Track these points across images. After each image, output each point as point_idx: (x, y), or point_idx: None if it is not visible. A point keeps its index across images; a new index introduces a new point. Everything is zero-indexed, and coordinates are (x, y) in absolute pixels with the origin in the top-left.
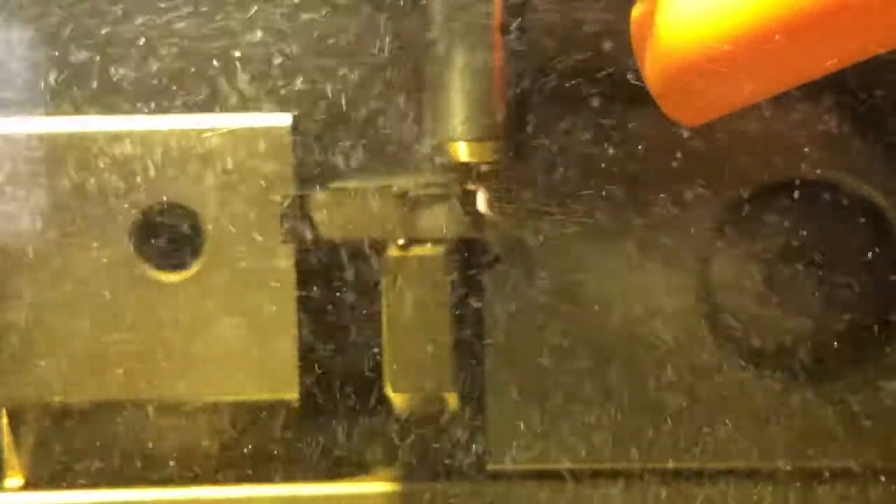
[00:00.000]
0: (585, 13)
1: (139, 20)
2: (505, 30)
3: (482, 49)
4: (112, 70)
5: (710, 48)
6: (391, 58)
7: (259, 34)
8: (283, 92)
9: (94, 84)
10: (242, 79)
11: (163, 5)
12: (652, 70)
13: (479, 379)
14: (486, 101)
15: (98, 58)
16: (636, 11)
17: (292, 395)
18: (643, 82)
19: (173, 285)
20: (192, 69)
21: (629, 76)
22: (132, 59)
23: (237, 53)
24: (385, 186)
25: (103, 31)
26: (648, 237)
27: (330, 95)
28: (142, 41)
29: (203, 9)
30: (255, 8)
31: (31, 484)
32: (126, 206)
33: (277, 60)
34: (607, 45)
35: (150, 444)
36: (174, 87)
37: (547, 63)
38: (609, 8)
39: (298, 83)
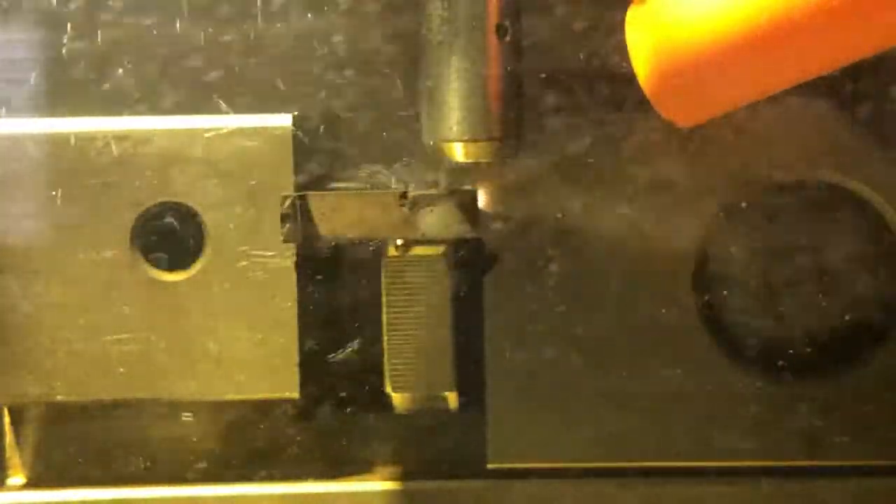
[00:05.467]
0: (580, 14)
1: (139, 21)
2: (500, 30)
3: (478, 50)
4: (112, 70)
5: (704, 49)
6: (390, 59)
7: (260, 35)
8: (283, 92)
9: (95, 84)
10: (243, 79)
11: (163, 6)
12: (647, 71)
13: (479, 379)
14: (483, 102)
15: (98, 58)
16: (631, 12)
17: (293, 394)
18: (638, 83)
19: (174, 285)
20: (193, 69)
21: (624, 77)
22: (133, 59)
23: (238, 54)
24: (385, 186)
25: (104, 32)
26: (647, 237)
27: (330, 96)
28: (142, 42)
29: (203, 10)
30: (256, 9)
31: (32, 482)
32: (126, 206)
33: (278, 61)
34: (602, 46)
35: (151, 444)
36: (174, 88)
37: (542, 64)
38: (604, 9)
39: (299, 84)
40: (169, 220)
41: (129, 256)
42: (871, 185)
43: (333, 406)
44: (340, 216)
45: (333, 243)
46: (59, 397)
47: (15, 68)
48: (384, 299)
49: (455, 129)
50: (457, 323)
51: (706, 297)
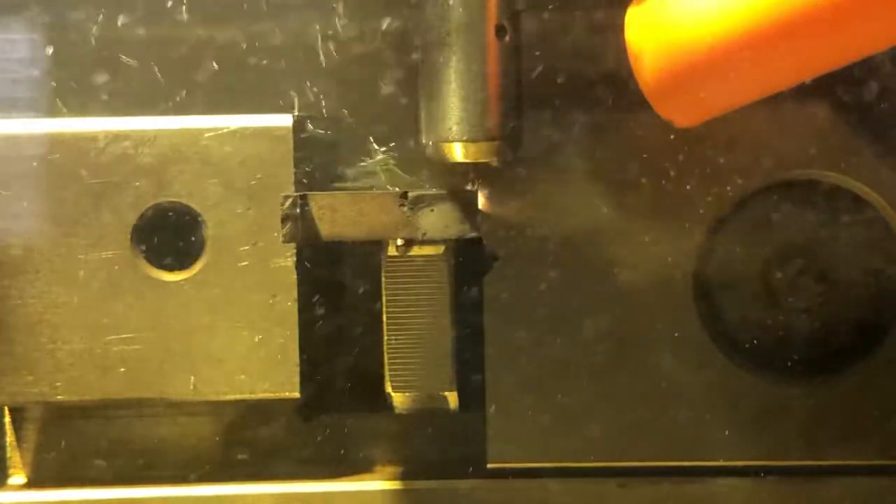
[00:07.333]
0: (580, 14)
1: (140, 21)
2: (500, 31)
3: (478, 50)
4: (113, 71)
5: (703, 49)
6: (390, 59)
7: (260, 36)
8: (283, 93)
9: (95, 84)
10: (243, 79)
11: (164, 7)
12: (646, 71)
13: (479, 379)
14: (482, 103)
15: (99, 58)
16: (630, 13)
17: (293, 393)
18: (637, 83)
19: (174, 285)
20: (194, 70)
21: (623, 77)
22: (133, 59)
23: (238, 55)
24: (385, 187)
25: (104, 32)
26: (647, 238)
27: (330, 96)
28: (142, 42)
29: (204, 11)
30: (256, 10)
31: (33, 482)
32: (127, 206)
33: (278, 62)
34: (601, 47)
35: (151, 443)
36: (175, 88)
37: (541, 64)
38: (603, 9)
39: (299, 84)
40: (169, 220)
41: (129, 256)
42: (871, 185)
43: (333, 406)
44: (340, 216)
45: (333, 243)
46: (59, 397)
47: (15, 68)
48: (384, 299)
49: (454, 129)
50: (457, 323)
51: (706, 298)
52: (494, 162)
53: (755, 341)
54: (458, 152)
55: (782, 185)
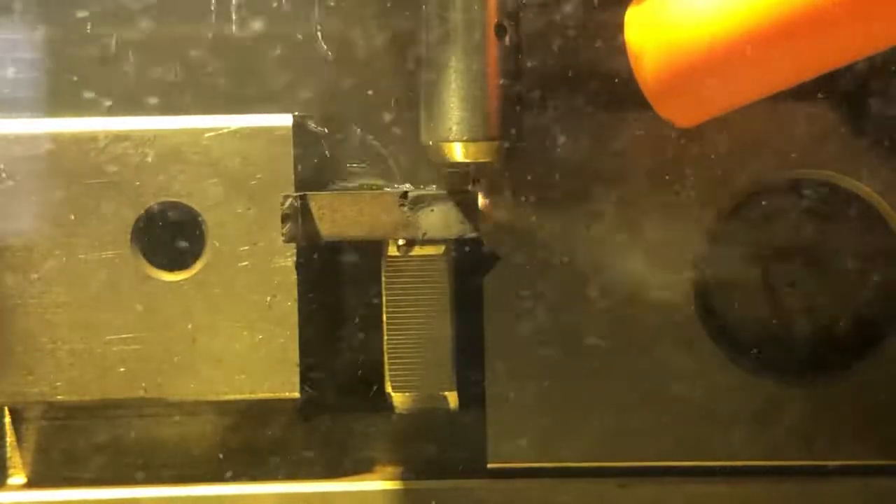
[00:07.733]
0: (580, 14)
1: (140, 21)
2: (500, 31)
3: (478, 50)
4: (113, 71)
5: (703, 49)
6: (390, 59)
7: (260, 36)
8: (283, 92)
9: (95, 84)
10: (244, 79)
11: (164, 7)
12: (646, 71)
13: (479, 379)
14: (481, 102)
15: (99, 58)
16: (630, 13)
17: (293, 393)
18: (637, 83)
19: (174, 285)
20: (194, 70)
21: (623, 77)
22: (133, 59)
23: (238, 55)
24: (385, 187)
25: (105, 32)
26: (647, 238)
27: (330, 96)
28: (143, 42)
29: (204, 11)
30: (256, 10)
31: (33, 482)
32: (127, 205)
33: (278, 62)
34: (602, 47)
35: (151, 443)
36: (175, 88)
37: (541, 64)
38: (604, 9)
39: (299, 84)
40: (169, 220)
41: (129, 256)
42: (871, 185)
43: (333, 406)
44: (340, 216)
45: (333, 243)
46: (59, 397)
47: (15, 68)
48: (384, 299)
49: (454, 129)
50: (457, 323)
51: (706, 298)
52: (494, 162)
53: (755, 342)
54: (458, 152)
55: (782, 185)
